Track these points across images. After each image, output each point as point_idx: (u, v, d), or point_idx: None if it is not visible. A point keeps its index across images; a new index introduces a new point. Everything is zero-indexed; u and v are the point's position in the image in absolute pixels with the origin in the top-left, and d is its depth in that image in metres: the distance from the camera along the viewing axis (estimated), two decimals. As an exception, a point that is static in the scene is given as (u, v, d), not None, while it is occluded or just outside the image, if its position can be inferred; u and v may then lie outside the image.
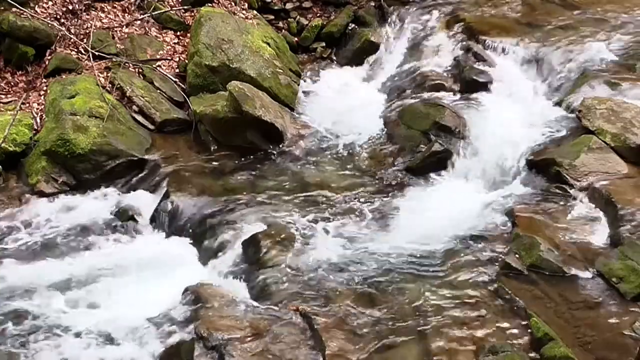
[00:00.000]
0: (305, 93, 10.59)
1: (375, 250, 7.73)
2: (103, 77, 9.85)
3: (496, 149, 8.88)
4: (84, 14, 10.55)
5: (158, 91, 9.95)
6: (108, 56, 10.12)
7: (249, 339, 6.54)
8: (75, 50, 10.20)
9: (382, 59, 11.04)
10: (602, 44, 9.95)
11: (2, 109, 9.50)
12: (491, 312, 6.76)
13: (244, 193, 8.67)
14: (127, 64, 10.10)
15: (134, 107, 9.64)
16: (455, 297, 6.97)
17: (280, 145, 9.49)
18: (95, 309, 7.32)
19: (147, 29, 10.77)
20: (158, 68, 10.25)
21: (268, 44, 10.59)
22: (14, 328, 7.02)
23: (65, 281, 7.63)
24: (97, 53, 10.01)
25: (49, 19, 10.22)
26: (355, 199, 8.59)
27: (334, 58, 11.47)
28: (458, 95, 9.77)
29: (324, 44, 11.53)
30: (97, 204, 8.72)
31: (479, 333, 6.51)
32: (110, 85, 9.74)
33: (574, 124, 8.88)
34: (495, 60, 10.09)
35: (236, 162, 9.25)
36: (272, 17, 11.55)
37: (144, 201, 8.75)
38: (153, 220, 8.59)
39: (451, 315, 6.72)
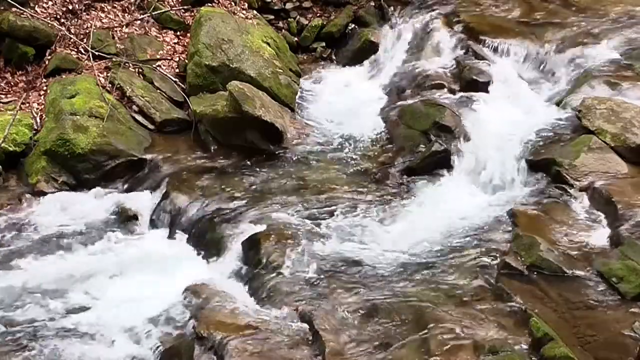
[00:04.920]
0: (305, 93, 10.58)
1: (375, 250, 7.73)
2: (103, 77, 9.85)
3: (496, 148, 8.87)
4: (84, 14, 10.55)
5: (158, 91, 9.95)
6: (108, 56, 10.12)
7: (248, 339, 6.54)
8: (75, 50, 10.20)
9: (382, 59, 11.03)
10: (602, 44, 9.96)
11: (2, 109, 9.50)
12: (491, 312, 6.76)
13: (244, 193, 8.67)
14: (127, 64, 10.10)
15: (134, 107, 9.64)
16: (455, 297, 6.97)
17: (280, 145, 9.48)
18: (94, 308, 7.32)
19: (147, 29, 10.77)
20: (158, 68, 10.25)
21: (268, 44, 10.59)
22: (13, 328, 7.03)
23: (65, 281, 7.63)
24: (97, 53, 10.01)
25: (49, 19, 10.22)
26: (355, 198, 8.58)
27: (334, 58, 11.48)
28: (458, 95, 9.76)
29: (324, 44, 11.53)
30: (97, 204, 8.72)
31: (479, 333, 6.50)
32: (110, 85, 9.75)
33: (574, 124, 8.87)
34: (495, 60, 10.10)
35: (236, 162, 9.24)
36: (272, 17, 11.54)
37: (143, 201, 8.75)
38: (153, 220, 8.59)
39: (451, 315, 6.71)
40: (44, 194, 8.78)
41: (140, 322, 7.07)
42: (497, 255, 7.43)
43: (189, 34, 10.67)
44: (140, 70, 10.16)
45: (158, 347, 6.80)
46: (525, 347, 6.34)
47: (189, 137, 9.57)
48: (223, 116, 9.37)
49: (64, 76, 9.83)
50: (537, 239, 7.37)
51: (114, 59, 10.09)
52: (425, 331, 6.56)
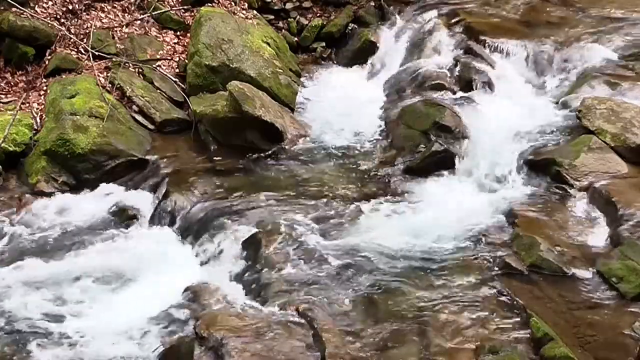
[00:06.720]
0: (306, 93, 10.58)
1: (375, 250, 7.72)
2: (103, 77, 9.85)
3: (496, 148, 8.88)
4: (84, 14, 10.55)
5: (158, 91, 9.95)
6: (108, 56, 10.13)
7: (248, 339, 6.53)
8: (75, 50, 10.20)
9: (382, 59, 11.04)
10: (602, 44, 9.96)
11: (2, 109, 9.50)
12: (491, 312, 6.76)
13: (244, 193, 8.67)
14: (127, 64, 10.10)
15: (134, 107, 9.64)
16: (455, 297, 6.97)
17: (280, 145, 9.47)
18: (94, 308, 7.32)
19: (147, 29, 10.77)
20: (158, 68, 10.25)
21: (268, 44, 10.59)
22: (13, 328, 7.03)
23: (65, 281, 7.63)
24: (97, 53, 10.01)
25: (49, 19, 10.22)
26: (355, 198, 8.58)
27: (334, 58, 11.49)
28: (458, 95, 9.77)
29: (324, 44, 11.54)
30: (97, 204, 8.71)
31: (479, 333, 6.51)
32: (110, 85, 9.75)
33: (574, 124, 8.88)
34: (495, 60, 10.10)
35: (236, 162, 9.24)
36: (272, 17, 11.55)
37: (144, 201, 8.74)
38: (153, 220, 8.59)
39: (451, 315, 6.72)
40: (44, 194, 8.77)
41: (141, 322, 7.07)
42: (497, 255, 7.44)
43: (189, 34, 10.67)
44: (140, 70, 10.16)
45: (158, 347, 6.79)
46: (525, 347, 6.34)
47: (189, 137, 9.58)
48: (223, 116, 9.38)
49: (64, 76, 9.83)
50: (537, 239, 7.38)
51: (114, 59, 10.09)
52: (425, 331, 6.57)
